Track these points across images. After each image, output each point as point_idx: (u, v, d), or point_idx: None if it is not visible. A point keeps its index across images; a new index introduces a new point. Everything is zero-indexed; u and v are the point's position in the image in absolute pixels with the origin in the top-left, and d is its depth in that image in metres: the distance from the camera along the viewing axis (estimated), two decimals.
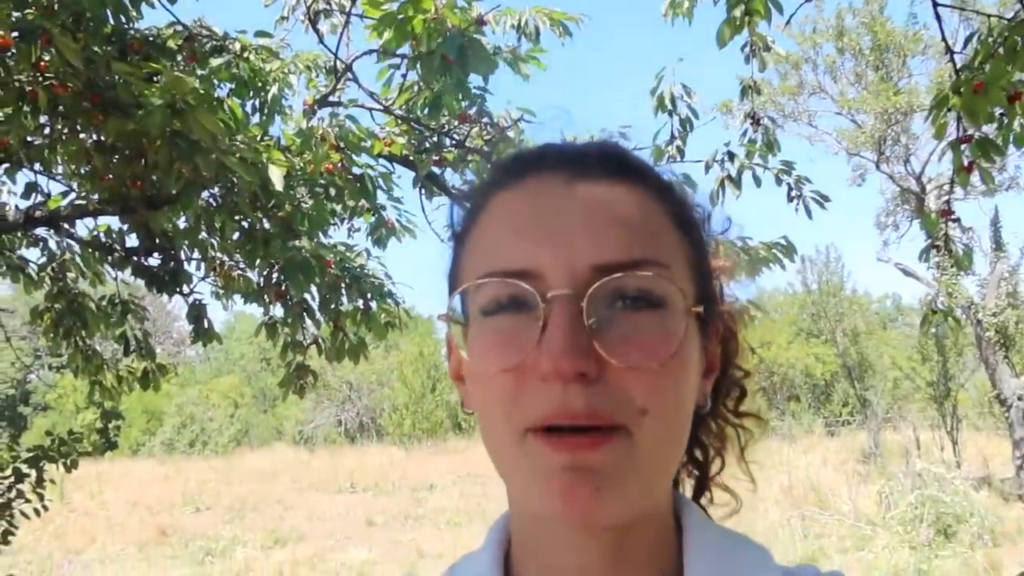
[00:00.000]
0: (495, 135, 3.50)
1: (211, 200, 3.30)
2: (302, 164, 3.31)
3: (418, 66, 2.58)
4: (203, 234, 3.69)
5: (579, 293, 0.49)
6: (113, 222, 4.04)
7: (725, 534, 0.60)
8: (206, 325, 4.45)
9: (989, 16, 3.28)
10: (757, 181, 3.25)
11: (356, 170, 3.33)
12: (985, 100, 2.75)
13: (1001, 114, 3.37)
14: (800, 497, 11.53)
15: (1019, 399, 12.09)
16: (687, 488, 0.69)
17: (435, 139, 3.57)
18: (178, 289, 4.22)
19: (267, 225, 3.39)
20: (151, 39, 3.08)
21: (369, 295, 4.22)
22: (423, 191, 3.99)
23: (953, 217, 3.98)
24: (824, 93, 14.65)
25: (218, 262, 3.89)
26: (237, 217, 3.21)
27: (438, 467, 21.32)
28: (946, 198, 4.23)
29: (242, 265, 4.05)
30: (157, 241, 3.81)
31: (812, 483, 12.06)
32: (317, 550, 11.23)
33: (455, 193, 0.71)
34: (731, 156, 3.25)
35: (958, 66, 3.37)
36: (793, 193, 3.24)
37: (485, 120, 3.62)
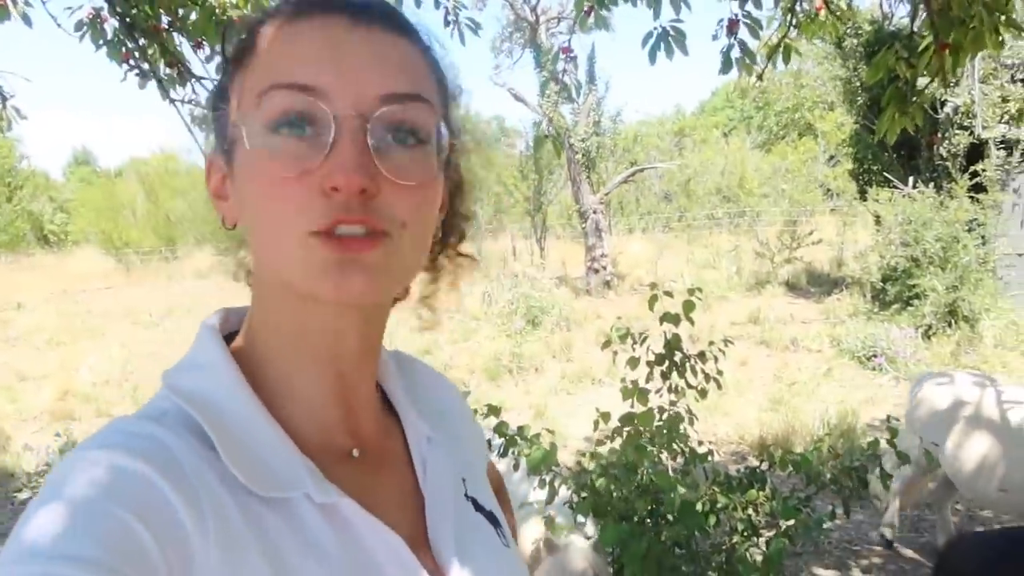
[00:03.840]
0: None
1: None
2: None
3: None
4: None
5: (365, 116, 0.57)
6: None
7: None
8: None
9: None
10: (417, 3, 3.37)
11: None
12: None
13: None
14: (414, 297, 12.69)
15: (594, 212, 14.53)
16: None
17: None
18: None
19: None
20: None
21: None
22: None
23: (571, 55, 4.56)
24: None
25: None
26: None
27: (23, 284, 18.80)
28: (567, 36, 4.77)
29: None
30: None
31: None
32: None
33: (237, 23, 0.76)
34: None
35: None
36: (450, 17, 3.43)
37: None
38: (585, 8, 3.96)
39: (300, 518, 0.59)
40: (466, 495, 0.75)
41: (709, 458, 2.85)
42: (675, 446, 2.91)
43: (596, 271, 14.60)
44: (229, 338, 0.69)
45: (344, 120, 0.56)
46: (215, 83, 0.68)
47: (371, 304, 0.63)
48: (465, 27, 3.43)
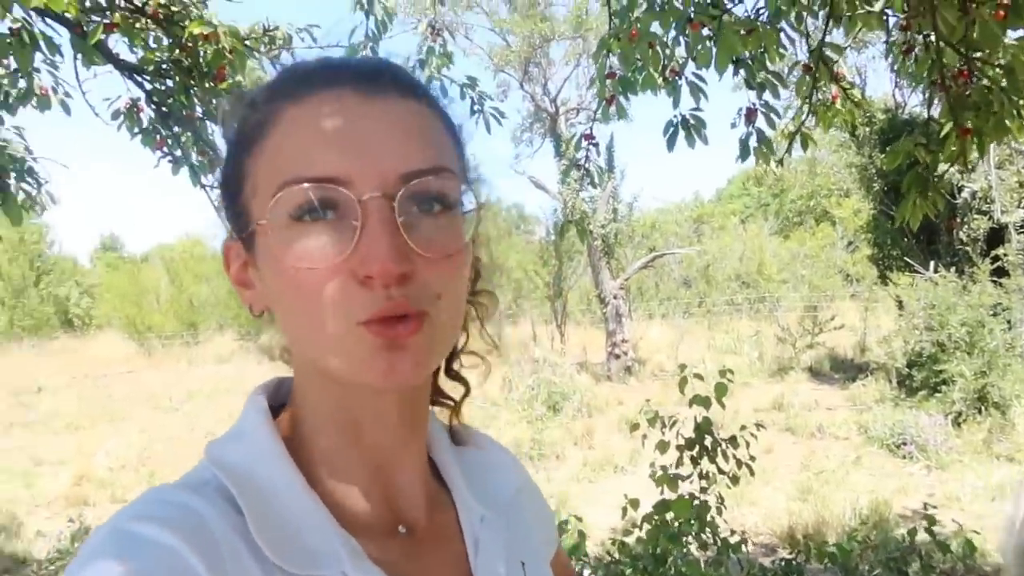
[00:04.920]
0: (178, 4, 3.22)
1: None
2: None
3: None
4: None
5: (389, 196, 0.55)
6: None
7: None
8: None
9: None
10: (444, 92, 3.49)
11: (4, 24, 2.83)
12: (635, 48, 3.29)
13: (637, 58, 4.03)
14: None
15: (614, 298, 14.56)
16: None
17: None
18: None
19: None
20: None
21: (5, 170, 3.67)
22: (80, 58, 3.53)
23: (593, 141, 4.66)
24: (479, 8, 15.43)
25: None
26: None
27: (45, 368, 18.92)
28: (587, 124, 4.91)
29: None
30: None
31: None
32: None
33: (236, 98, 0.73)
34: (422, 64, 3.43)
35: (612, 10, 3.92)
36: (475, 107, 3.55)
37: None
38: (607, 97, 4.09)
39: None
40: None
41: (742, 547, 2.76)
42: (705, 535, 2.82)
43: (617, 356, 14.51)
44: (282, 407, 0.68)
45: (369, 203, 0.54)
46: (221, 167, 0.66)
47: (411, 386, 0.60)
48: (490, 116, 3.54)
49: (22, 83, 3.37)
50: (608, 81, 4.12)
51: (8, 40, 2.81)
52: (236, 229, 0.63)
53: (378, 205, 0.54)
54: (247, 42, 3.32)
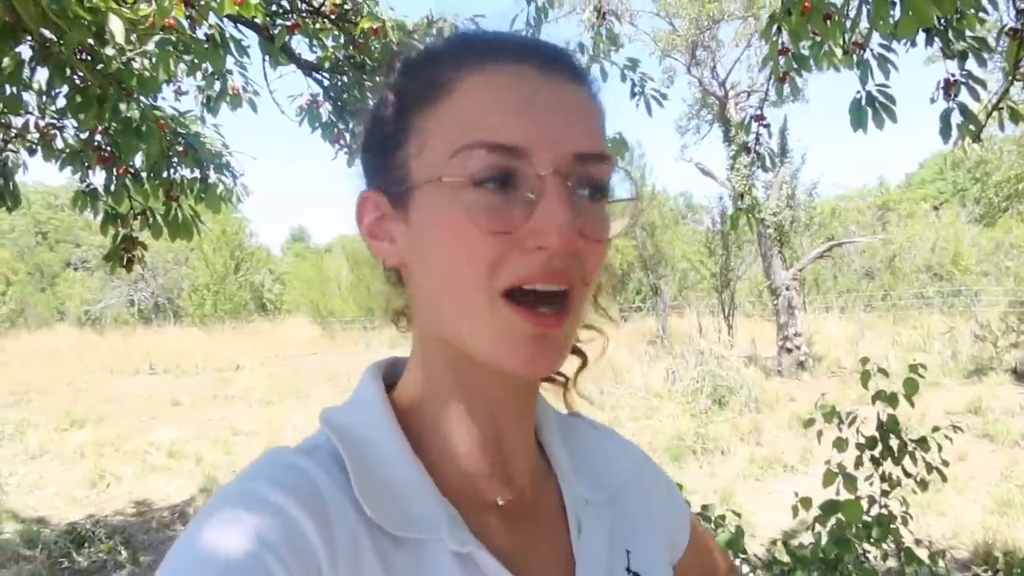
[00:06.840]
0: (351, 3, 3.38)
1: (31, 49, 2.95)
2: (137, 16, 3.03)
3: None
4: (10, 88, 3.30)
5: (566, 175, 0.56)
6: None
7: None
8: (12, 188, 4.02)
9: None
10: (604, 76, 3.44)
11: (201, 31, 3.09)
12: (808, 21, 3.07)
13: (813, 32, 3.75)
14: (598, 374, 12.59)
15: (786, 289, 13.83)
16: None
17: (286, 1, 3.37)
18: None
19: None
20: None
21: (205, 164, 4.02)
22: (267, 58, 3.80)
23: (764, 123, 4.41)
24: None
25: (33, 120, 3.50)
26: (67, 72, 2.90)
27: (243, 348, 20.79)
28: (758, 105, 4.66)
29: (60, 124, 3.68)
30: None
31: (608, 361, 13.18)
32: (121, 431, 10.77)
33: (405, 54, 0.73)
34: (581, 48, 3.39)
35: None
36: (636, 89, 3.46)
37: None
38: (779, 75, 3.85)
39: (432, 564, 0.58)
40: (628, 568, 0.70)
41: (940, 561, 2.50)
42: (887, 544, 2.59)
43: (789, 351, 13.78)
44: (395, 384, 0.70)
45: (548, 178, 0.55)
46: (375, 115, 0.66)
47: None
48: (651, 98, 3.43)
49: (218, 85, 3.68)
50: (781, 58, 3.88)
51: (205, 45, 3.06)
52: (387, 182, 0.63)
53: (556, 180, 0.55)
54: (413, 35, 3.44)
